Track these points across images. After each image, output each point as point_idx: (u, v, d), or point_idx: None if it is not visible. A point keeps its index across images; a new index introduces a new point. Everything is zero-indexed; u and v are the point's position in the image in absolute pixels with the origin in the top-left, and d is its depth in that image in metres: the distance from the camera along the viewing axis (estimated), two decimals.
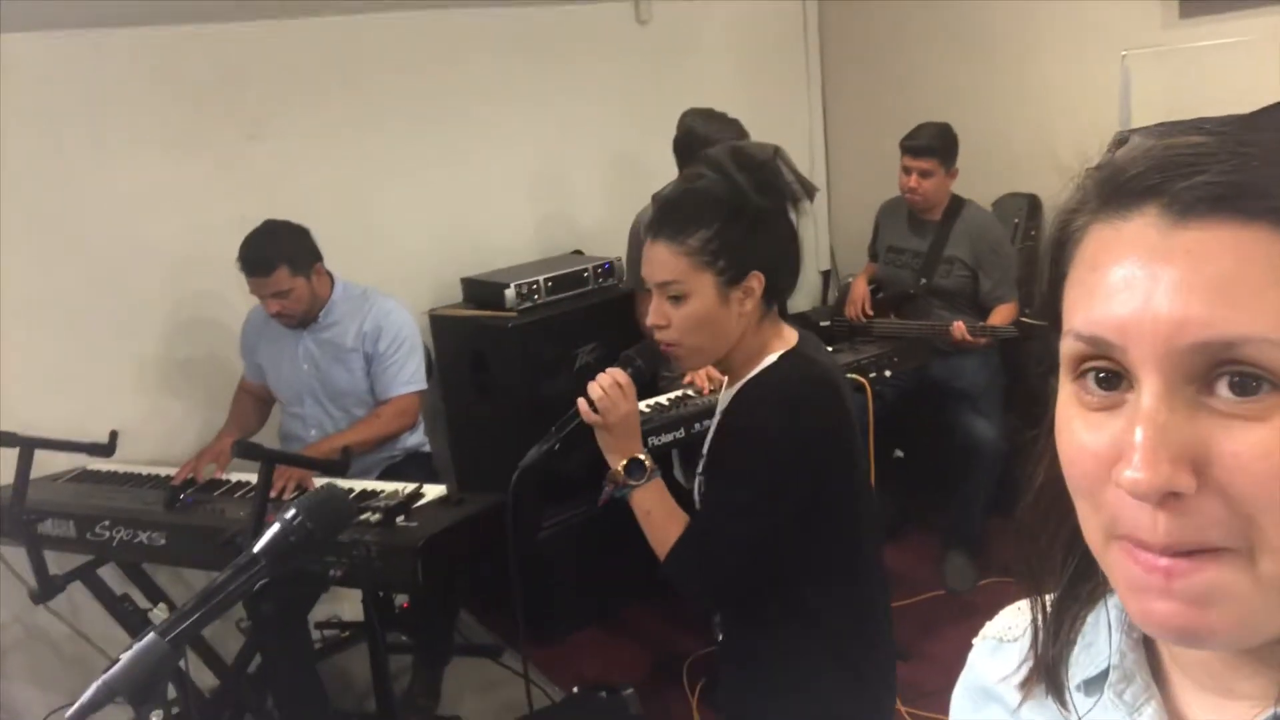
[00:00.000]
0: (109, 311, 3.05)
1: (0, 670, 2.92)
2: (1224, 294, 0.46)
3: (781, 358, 1.58)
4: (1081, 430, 0.51)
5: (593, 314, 3.40)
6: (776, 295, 1.60)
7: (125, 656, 0.89)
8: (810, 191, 1.69)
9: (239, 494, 2.59)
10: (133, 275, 3.08)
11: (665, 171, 3.43)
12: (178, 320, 3.19)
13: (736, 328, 1.56)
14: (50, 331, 2.95)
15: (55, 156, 2.92)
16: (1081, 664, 0.62)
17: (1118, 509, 0.49)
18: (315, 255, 2.83)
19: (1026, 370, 3.35)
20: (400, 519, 2.23)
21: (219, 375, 3.20)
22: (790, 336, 1.62)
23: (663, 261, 1.55)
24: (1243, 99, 0.55)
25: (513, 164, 3.82)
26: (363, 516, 2.22)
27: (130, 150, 3.04)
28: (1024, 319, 3.30)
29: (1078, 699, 0.62)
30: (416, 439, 3.08)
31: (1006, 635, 0.71)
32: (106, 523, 2.48)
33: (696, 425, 2.77)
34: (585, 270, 3.43)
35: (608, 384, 1.60)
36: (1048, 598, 0.66)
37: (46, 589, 2.52)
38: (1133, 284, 0.48)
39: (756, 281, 1.54)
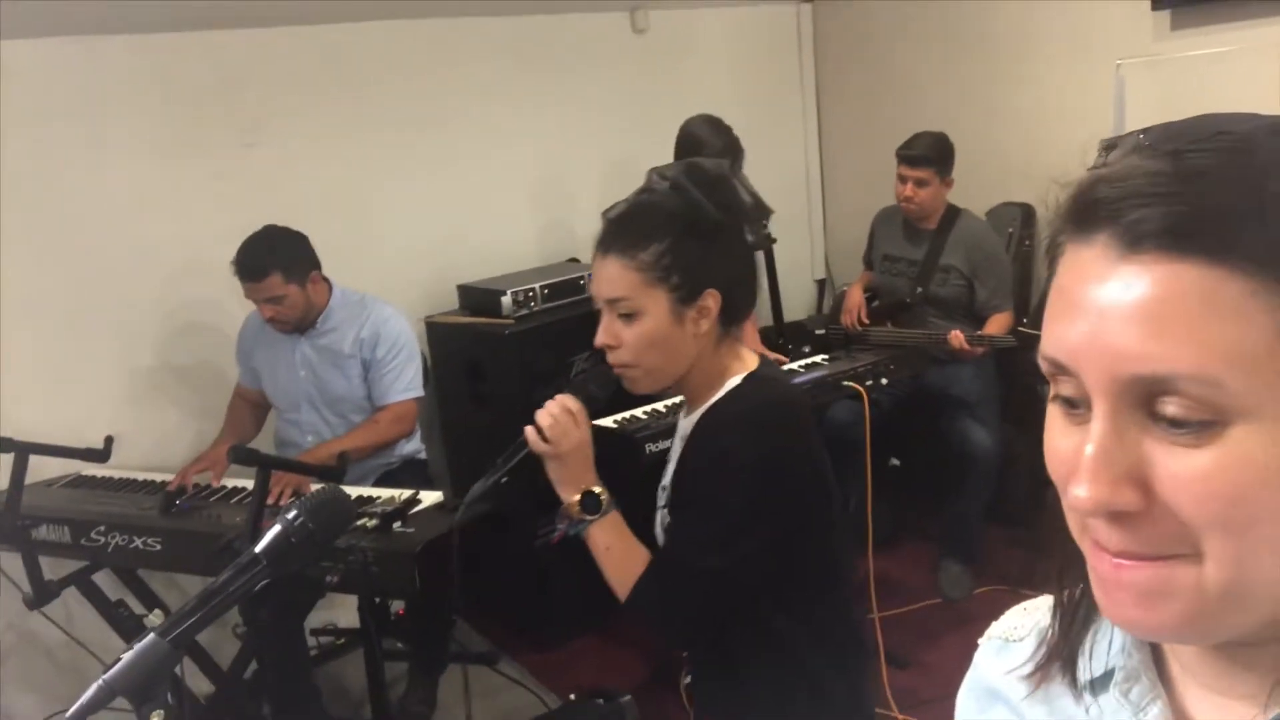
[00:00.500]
0: (105, 316, 3.05)
1: None
2: (1157, 329, 0.47)
3: (744, 381, 1.50)
4: (1058, 435, 0.53)
5: (589, 322, 3.32)
6: (734, 315, 1.52)
7: (126, 657, 0.89)
8: (765, 213, 1.64)
9: (234, 499, 2.58)
10: (129, 280, 3.08)
11: None
12: (174, 326, 3.19)
13: (692, 348, 1.48)
14: (46, 336, 2.95)
15: (52, 162, 2.93)
16: (1088, 664, 0.63)
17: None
18: (312, 263, 2.83)
19: (1023, 379, 3.38)
20: (397, 525, 2.22)
21: (215, 381, 3.20)
22: (750, 359, 1.55)
23: (613, 277, 1.47)
24: (1234, 109, 0.56)
25: (509, 171, 3.82)
26: (359, 522, 2.21)
27: (127, 156, 3.05)
28: (1022, 328, 3.31)
29: (1084, 699, 0.63)
30: (413, 446, 3.08)
31: (1012, 635, 0.72)
32: (102, 528, 2.47)
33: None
34: (582, 278, 3.44)
35: (557, 411, 1.51)
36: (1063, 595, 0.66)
37: (41, 594, 2.51)
38: (1085, 312, 0.50)
39: (712, 300, 1.47)
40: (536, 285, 3.34)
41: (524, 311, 3.29)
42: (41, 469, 2.71)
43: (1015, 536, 3.50)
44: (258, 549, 1.00)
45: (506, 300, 3.27)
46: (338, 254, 3.00)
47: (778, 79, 4.59)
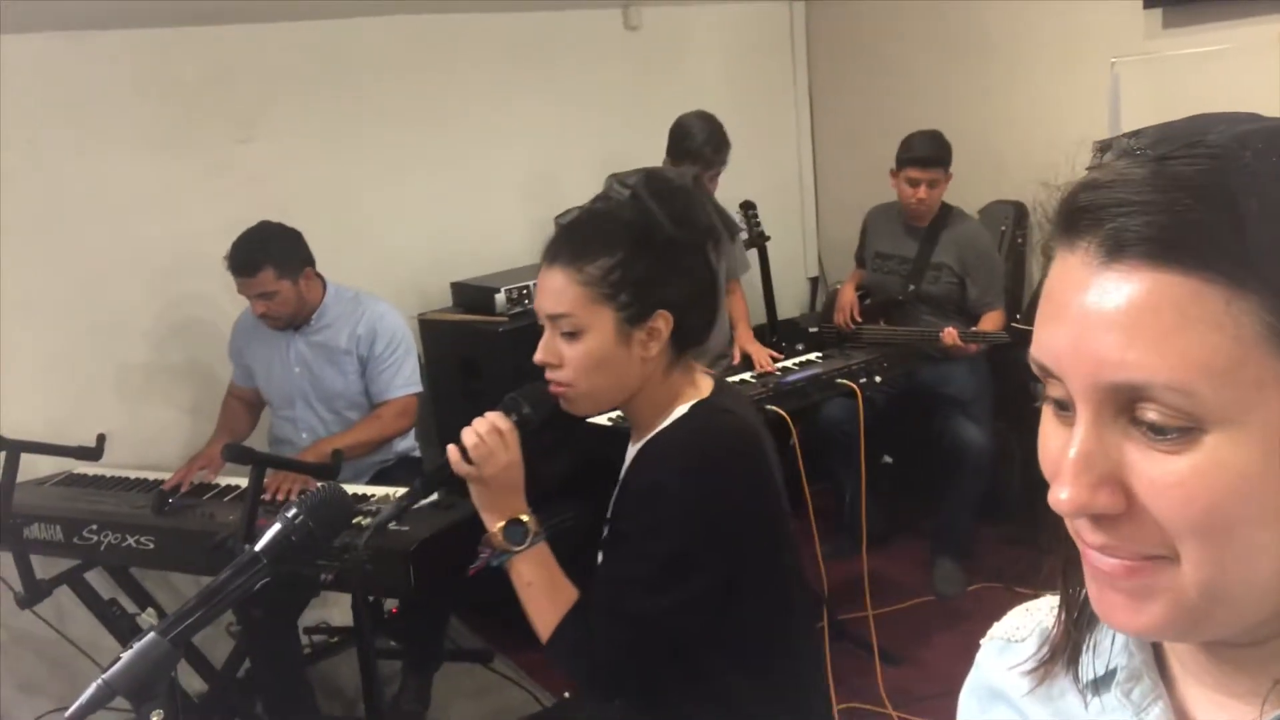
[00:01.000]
0: (97, 313, 3.04)
1: None
2: (1134, 337, 0.48)
3: (692, 409, 1.39)
4: (1049, 436, 0.54)
5: None
6: (688, 339, 1.41)
7: (125, 656, 0.89)
8: (732, 230, 1.55)
9: (228, 498, 2.58)
10: (121, 278, 3.07)
11: None
12: (166, 323, 3.18)
13: (638, 372, 1.37)
14: (38, 333, 2.93)
15: (46, 157, 2.92)
16: (1091, 661, 0.63)
17: None
18: (306, 260, 2.83)
19: (1017, 376, 3.38)
20: (392, 523, 2.22)
21: (207, 379, 3.19)
22: (704, 385, 1.43)
23: (557, 290, 1.36)
24: (1230, 108, 0.56)
25: (502, 168, 3.82)
26: (354, 521, 2.20)
27: (121, 152, 3.03)
28: (1016, 324, 3.32)
29: (1086, 697, 0.63)
30: (408, 444, 3.07)
31: (1014, 636, 0.72)
32: (94, 527, 2.46)
33: None
34: None
35: (485, 430, 1.37)
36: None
37: (33, 593, 2.51)
38: (1068, 318, 0.51)
39: (663, 322, 1.36)
40: (530, 283, 3.33)
41: (518, 309, 3.29)
42: (33, 467, 2.69)
43: (1008, 533, 3.51)
44: (258, 547, 0.99)
45: (500, 297, 3.26)
46: (331, 250, 2.99)
47: (771, 76, 4.59)
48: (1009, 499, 3.45)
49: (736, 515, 1.33)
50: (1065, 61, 3.61)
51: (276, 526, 1.02)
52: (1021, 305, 3.73)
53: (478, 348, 3.33)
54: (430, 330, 3.50)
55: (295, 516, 1.03)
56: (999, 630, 0.74)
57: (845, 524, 3.48)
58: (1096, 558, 0.52)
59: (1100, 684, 0.62)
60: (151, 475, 2.76)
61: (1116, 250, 0.49)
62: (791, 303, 4.51)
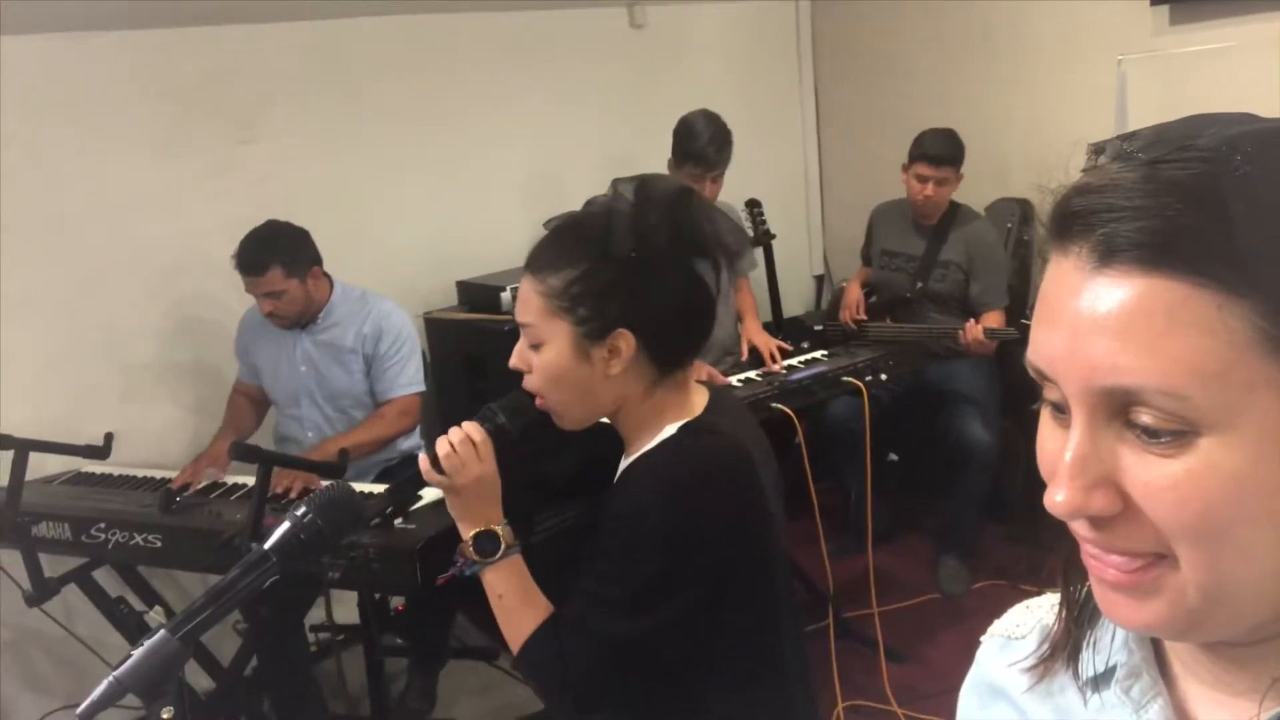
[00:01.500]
0: (103, 313, 3.05)
1: None
2: (1126, 342, 0.48)
3: (679, 431, 1.33)
4: (1047, 437, 0.55)
5: None
6: (669, 357, 1.35)
7: (136, 653, 0.89)
8: (761, 240, 1.44)
9: (235, 496, 2.58)
10: (126, 277, 3.07)
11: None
12: (172, 322, 3.18)
13: (607, 389, 1.33)
14: (44, 333, 2.94)
15: (48, 158, 2.92)
16: (1091, 658, 0.63)
17: None
18: (314, 259, 2.83)
19: (1022, 374, 3.37)
20: (398, 521, 2.22)
21: (213, 377, 3.20)
22: (696, 402, 1.38)
23: (524, 299, 1.34)
24: (1235, 105, 0.56)
25: (507, 167, 3.82)
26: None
27: (123, 152, 3.04)
28: (1025, 321, 3.32)
29: (1086, 694, 0.63)
30: (412, 442, 3.08)
31: (1015, 633, 0.72)
32: (102, 525, 2.46)
33: None
34: None
35: (458, 440, 1.34)
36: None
37: (41, 592, 2.51)
38: (1061, 322, 0.51)
39: (624, 341, 1.30)
40: None
41: None
42: (41, 466, 2.70)
43: (1013, 532, 3.51)
44: (267, 546, 1.00)
45: (505, 296, 3.26)
46: (335, 250, 2.99)
47: (776, 74, 4.58)
48: (1014, 497, 3.45)
49: (716, 542, 1.29)
50: (1071, 59, 3.60)
51: (286, 525, 1.03)
52: (1027, 303, 3.72)
53: (483, 346, 3.34)
54: (435, 329, 3.51)
55: (305, 515, 1.03)
56: (999, 627, 0.74)
57: (850, 522, 3.49)
58: (1096, 561, 0.53)
59: (1100, 681, 0.62)
60: (158, 474, 2.77)
61: (1108, 255, 0.49)
62: (796, 300, 4.51)
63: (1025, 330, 3.46)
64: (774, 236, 3.79)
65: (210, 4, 3.08)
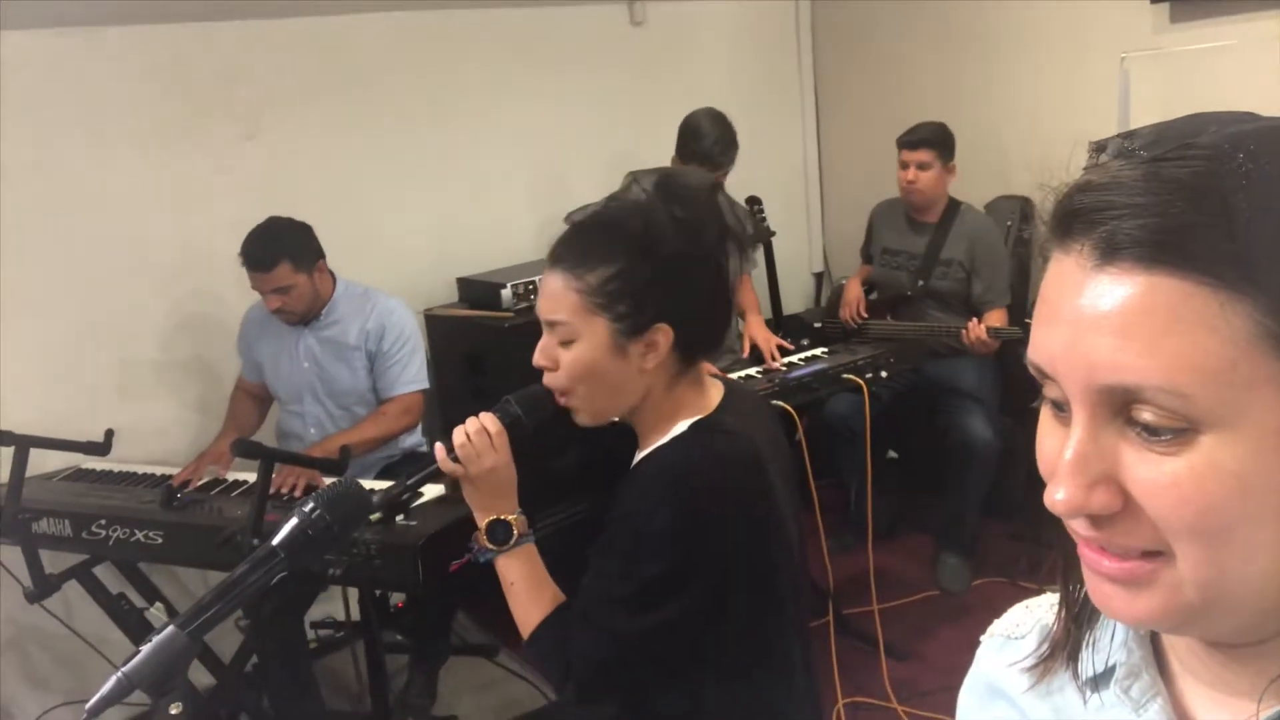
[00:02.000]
0: (105, 309, 3.04)
1: None
2: (1127, 340, 0.48)
3: (691, 429, 1.35)
4: (1046, 436, 0.55)
5: None
6: (694, 350, 1.37)
7: (144, 649, 0.89)
8: (761, 237, 1.49)
9: (236, 493, 2.58)
10: (128, 274, 3.07)
11: None
12: (174, 318, 3.18)
13: (636, 384, 1.34)
14: (46, 329, 2.94)
15: (52, 154, 2.92)
16: (1091, 657, 0.63)
17: None
18: (318, 253, 2.83)
19: (1022, 372, 3.37)
20: (400, 518, 2.23)
21: (215, 374, 3.20)
22: (710, 399, 1.39)
23: (554, 295, 1.33)
24: (1237, 104, 0.56)
25: (508, 164, 3.82)
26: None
27: (126, 148, 3.04)
28: (1029, 321, 3.32)
29: (1086, 694, 0.63)
30: (414, 439, 3.08)
31: (1014, 633, 0.72)
32: (103, 521, 2.46)
33: None
34: None
35: (473, 431, 1.36)
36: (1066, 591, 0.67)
37: (42, 588, 2.50)
38: (1062, 320, 0.51)
39: (662, 335, 1.32)
40: (536, 278, 3.31)
41: (524, 304, 3.29)
42: (41, 462, 2.70)
43: (1013, 529, 3.51)
44: (275, 542, 1.00)
45: (506, 293, 3.27)
46: (337, 246, 2.99)
47: (776, 72, 4.58)
48: (1014, 495, 3.45)
49: (722, 544, 1.30)
50: (1071, 57, 3.60)
51: (294, 521, 1.03)
52: (1027, 302, 3.72)
53: (483, 343, 3.34)
54: (436, 326, 3.51)
55: (312, 511, 1.03)
56: (999, 627, 0.74)
57: (851, 519, 3.49)
58: (1093, 555, 0.53)
59: (1099, 681, 0.62)
60: (159, 470, 2.77)
61: (1110, 253, 0.49)
62: (796, 298, 4.51)
63: (1029, 330, 3.49)
64: (774, 234, 3.79)
65: (216, 1, 3.08)
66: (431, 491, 2.40)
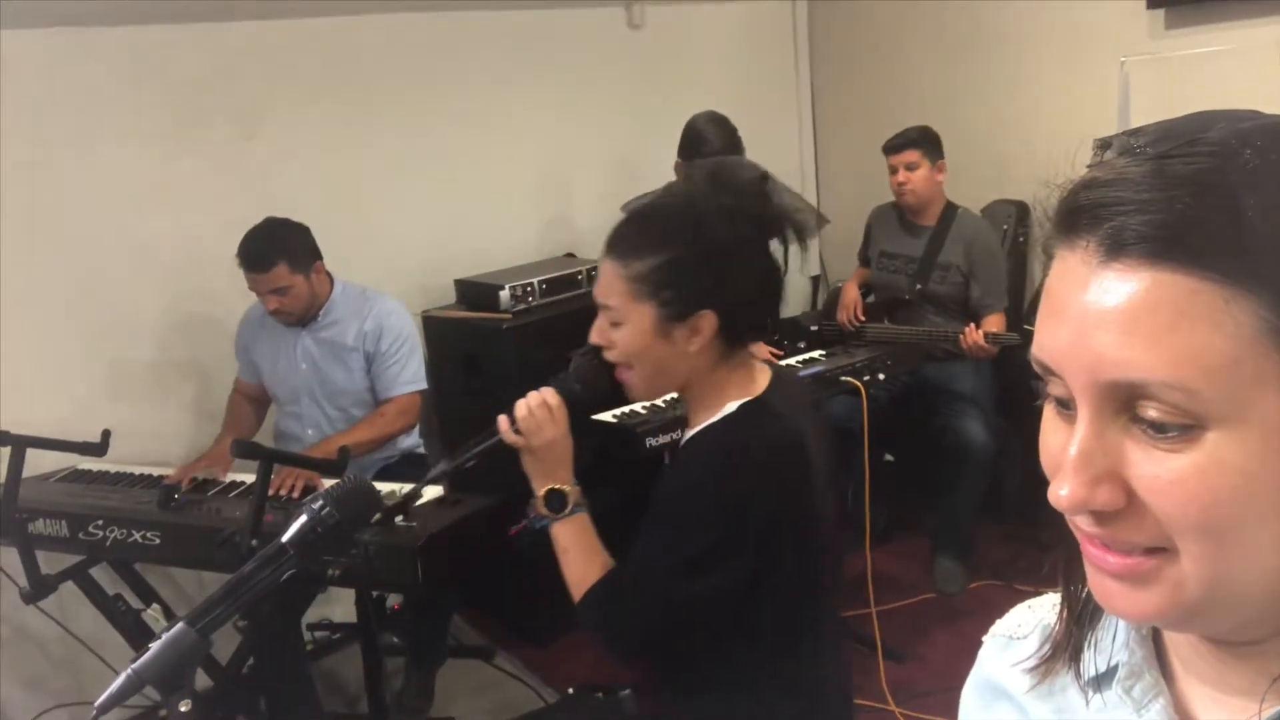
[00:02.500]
0: (102, 309, 3.03)
1: None
2: (1133, 335, 0.48)
3: (740, 409, 1.41)
4: (1050, 433, 0.55)
5: (587, 317, 3.36)
6: (741, 335, 1.44)
7: (154, 646, 0.89)
8: (820, 223, 1.57)
9: (233, 494, 2.57)
10: (125, 274, 3.06)
11: (658, 173, 3.45)
12: (171, 319, 3.17)
13: (683, 365, 1.42)
14: (43, 329, 2.93)
15: (50, 154, 2.91)
16: (1093, 657, 0.63)
17: None
18: (315, 254, 2.83)
19: (1019, 375, 3.38)
20: (399, 519, 2.22)
21: (213, 375, 3.19)
22: (758, 382, 1.46)
23: (606, 281, 1.43)
24: (1238, 107, 0.56)
25: (506, 166, 3.82)
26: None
27: (124, 149, 3.02)
28: (1027, 326, 3.33)
29: (1088, 694, 0.63)
30: (412, 440, 3.08)
31: (1016, 632, 0.72)
32: (100, 522, 2.45)
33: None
34: (579, 273, 3.44)
35: (535, 404, 1.47)
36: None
37: (38, 589, 2.49)
38: (1068, 316, 0.51)
39: (706, 321, 1.39)
40: (534, 280, 3.34)
41: (522, 306, 3.29)
42: (38, 463, 2.69)
43: (1009, 531, 3.52)
44: (285, 539, 0.99)
45: (504, 295, 3.26)
46: (335, 248, 2.99)
47: (773, 75, 4.59)
48: (1011, 497, 3.46)
49: (767, 520, 1.37)
50: (1067, 61, 3.62)
51: (303, 518, 1.02)
52: (1023, 305, 3.73)
53: (481, 345, 3.33)
54: (434, 327, 3.50)
55: (322, 508, 1.03)
56: (1001, 627, 0.74)
57: (848, 521, 3.49)
58: (1096, 551, 0.53)
59: (1101, 681, 0.62)
60: (156, 471, 2.76)
61: (1116, 249, 0.49)
62: (793, 301, 4.51)
63: (1028, 335, 3.50)
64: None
65: (212, 1, 3.08)
66: (430, 493, 2.40)
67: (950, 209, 3.49)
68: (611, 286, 1.42)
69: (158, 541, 2.41)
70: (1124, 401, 0.49)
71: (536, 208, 3.94)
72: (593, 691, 2.49)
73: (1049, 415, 0.55)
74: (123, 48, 3.00)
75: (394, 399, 2.91)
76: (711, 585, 1.37)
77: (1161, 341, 0.47)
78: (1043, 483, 0.54)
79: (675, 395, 2.89)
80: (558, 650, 3.24)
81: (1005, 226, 3.81)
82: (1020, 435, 3.41)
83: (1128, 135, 0.53)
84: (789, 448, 1.41)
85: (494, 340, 3.25)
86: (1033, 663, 0.67)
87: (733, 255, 1.39)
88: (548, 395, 1.48)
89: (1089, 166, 0.54)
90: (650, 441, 2.69)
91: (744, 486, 1.36)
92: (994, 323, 3.37)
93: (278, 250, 2.70)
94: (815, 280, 4.73)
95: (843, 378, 2.91)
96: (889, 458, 3.91)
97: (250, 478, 2.45)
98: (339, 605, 3.36)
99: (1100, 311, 0.49)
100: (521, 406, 1.47)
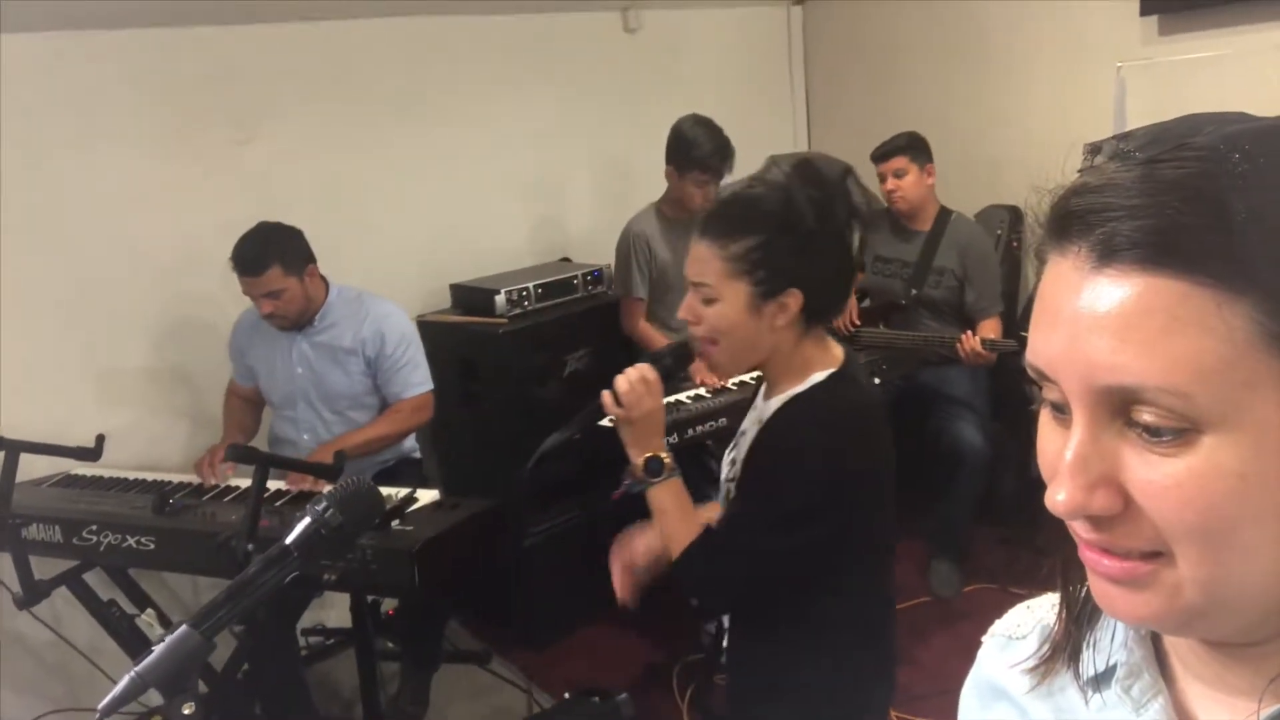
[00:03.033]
0: (97, 313, 3.02)
1: None
2: (1126, 341, 0.48)
3: (829, 378, 1.54)
4: (1048, 437, 0.55)
5: (582, 321, 3.40)
6: (820, 313, 1.57)
7: (157, 648, 0.89)
8: (878, 214, 1.68)
9: (228, 498, 2.57)
10: (121, 278, 3.05)
11: (653, 178, 3.45)
12: (166, 323, 3.16)
13: (768, 340, 1.54)
14: (37, 333, 2.91)
15: (46, 157, 2.89)
16: (1092, 657, 0.64)
17: None
18: (309, 257, 2.82)
19: (1014, 379, 3.40)
20: (395, 523, 2.22)
21: (207, 379, 3.18)
22: (837, 355, 1.58)
23: (701, 260, 1.53)
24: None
25: (501, 170, 3.82)
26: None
27: (120, 152, 3.02)
28: (1024, 334, 3.33)
29: (1087, 694, 0.63)
30: (408, 444, 3.07)
31: (1015, 633, 0.73)
32: (94, 527, 2.44)
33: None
34: (575, 277, 3.45)
35: (635, 378, 1.59)
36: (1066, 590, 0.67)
37: (31, 594, 2.48)
38: (1061, 322, 0.51)
39: (793, 299, 1.51)
40: (530, 284, 3.34)
41: (517, 310, 3.29)
42: (31, 468, 2.67)
43: (1005, 535, 3.53)
44: (288, 541, 0.99)
45: (500, 299, 3.26)
46: (331, 252, 2.98)
47: (768, 80, 4.60)
48: (1005, 501, 3.47)
49: (857, 479, 1.50)
50: (1061, 66, 3.63)
51: (306, 520, 1.02)
52: (1017, 310, 3.74)
53: (477, 349, 3.33)
54: (429, 331, 3.49)
55: (325, 510, 1.02)
56: (1000, 627, 0.75)
57: None
58: (1094, 556, 0.53)
59: (1100, 680, 0.62)
60: (150, 476, 2.75)
61: (1107, 255, 0.49)
62: None
63: (1024, 342, 3.52)
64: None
65: (211, 4, 3.07)
66: (426, 497, 2.40)
67: (944, 214, 3.50)
68: (706, 266, 1.52)
69: (152, 546, 2.39)
70: (1119, 406, 0.49)
71: (532, 212, 3.94)
72: (589, 696, 2.49)
73: (1045, 420, 0.55)
74: (118, 51, 2.99)
75: (409, 398, 2.91)
76: (802, 540, 1.48)
77: (1155, 346, 0.47)
78: (1038, 486, 0.54)
79: (674, 398, 2.92)
80: (554, 655, 3.24)
81: (999, 231, 3.82)
82: (1015, 439, 3.42)
83: (1117, 140, 0.53)
84: (873, 414, 1.56)
85: (490, 344, 3.25)
86: (1032, 663, 0.67)
87: (818, 240, 1.50)
88: (646, 371, 1.60)
89: (1079, 171, 0.54)
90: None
91: (841, 445, 1.48)
92: (990, 327, 3.38)
93: (271, 254, 2.70)
94: None
95: None
96: None
97: (246, 482, 2.45)
98: (334, 610, 3.35)
99: (1093, 317, 0.49)
100: (623, 381, 1.59)
